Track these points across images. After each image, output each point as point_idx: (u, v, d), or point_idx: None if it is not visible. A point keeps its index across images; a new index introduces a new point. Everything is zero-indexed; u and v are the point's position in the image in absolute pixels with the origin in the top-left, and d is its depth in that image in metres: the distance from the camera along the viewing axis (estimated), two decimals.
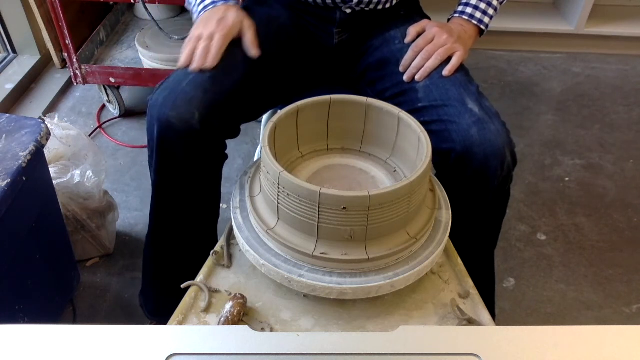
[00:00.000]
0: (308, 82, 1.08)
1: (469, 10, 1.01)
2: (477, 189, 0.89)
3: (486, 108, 0.88)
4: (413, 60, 0.95)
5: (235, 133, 0.95)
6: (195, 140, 0.86)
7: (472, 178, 0.87)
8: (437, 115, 0.89)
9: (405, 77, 0.96)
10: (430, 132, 0.85)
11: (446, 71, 0.93)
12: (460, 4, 1.03)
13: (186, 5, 1.03)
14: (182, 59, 0.90)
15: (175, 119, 0.84)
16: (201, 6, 0.96)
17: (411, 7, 1.11)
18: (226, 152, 0.96)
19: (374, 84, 1.03)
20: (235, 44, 0.94)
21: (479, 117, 0.86)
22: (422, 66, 0.94)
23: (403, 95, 0.96)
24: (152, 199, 0.98)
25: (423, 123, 0.81)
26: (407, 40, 0.99)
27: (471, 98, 0.89)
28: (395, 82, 0.98)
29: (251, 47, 0.91)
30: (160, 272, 1.07)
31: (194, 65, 0.88)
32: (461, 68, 0.95)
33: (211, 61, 0.87)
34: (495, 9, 1.02)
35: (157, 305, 1.14)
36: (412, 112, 0.91)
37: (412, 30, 0.99)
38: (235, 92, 0.90)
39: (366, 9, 1.02)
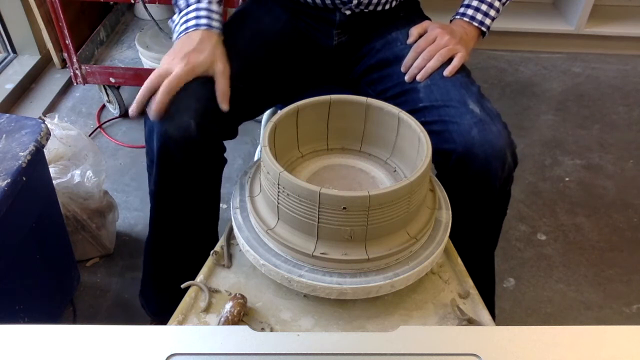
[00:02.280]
0: (307, 83, 1.08)
1: (470, 12, 1.01)
2: (477, 189, 0.89)
3: (487, 109, 0.88)
4: (414, 61, 0.96)
5: (233, 134, 0.95)
6: (195, 148, 0.86)
7: (473, 179, 0.87)
8: (438, 115, 0.89)
9: (407, 78, 0.96)
10: (431, 133, 0.85)
11: (447, 72, 0.93)
12: (461, 6, 1.03)
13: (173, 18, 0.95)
14: (137, 98, 0.84)
15: (172, 130, 0.84)
16: (182, 26, 0.89)
17: (411, 8, 1.11)
18: (226, 154, 0.96)
19: (374, 84, 1.03)
20: (225, 46, 0.94)
21: (480, 117, 0.86)
22: (424, 66, 0.94)
23: (404, 95, 0.96)
24: (152, 207, 0.98)
25: (424, 123, 0.81)
26: (410, 41, 0.99)
27: (472, 99, 0.89)
28: (396, 82, 0.98)
29: (221, 101, 0.85)
30: (161, 274, 1.07)
31: (151, 113, 0.83)
32: (462, 69, 0.96)
33: (156, 107, 0.82)
34: (497, 10, 1.02)
35: (159, 306, 1.14)
36: (413, 112, 0.91)
37: (414, 31, 0.99)
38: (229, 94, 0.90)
39: (365, 10, 1.02)
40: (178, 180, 0.91)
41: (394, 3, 1.05)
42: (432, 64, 0.94)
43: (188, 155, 0.86)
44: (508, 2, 1.04)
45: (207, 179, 0.94)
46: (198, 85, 0.86)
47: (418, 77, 0.95)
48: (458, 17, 1.02)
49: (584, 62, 2.32)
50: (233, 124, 0.94)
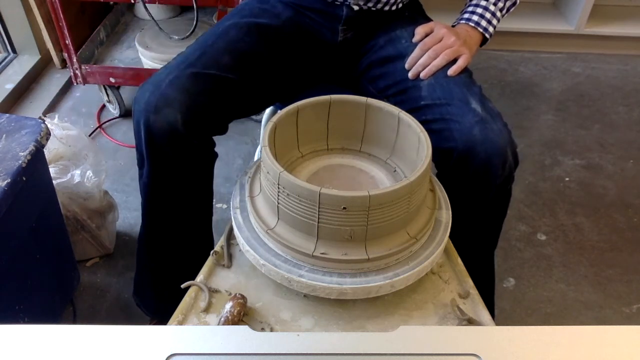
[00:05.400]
0: (307, 81, 1.08)
1: (475, 17, 1.02)
2: (478, 188, 0.89)
3: (489, 108, 0.89)
4: (419, 58, 0.96)
5: (222, 130, 0.94)
6: (182, 143, 0.86)
7: (473, 177, 0.87)
8: (440, 113, 0.89)
9: (410, 74, 0.96)
10: (432, 131, 0.85)
11: (451, 71, 0.94)
12: (466, 12, 1.04)
13: None
14: None
15: (159, 123, 0.84)
16: None
17: (415, 9, 1.12)
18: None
19: (376, 81, 1.03)
20: (220, 40, 0.94)
21: (482, 116, 0.86)
22: (429, 64, 0.95)
23: (406, 92, 0.96)
24: (143, 201, 0.98)
25: (425, 122, 0.81)
26: (415, 39, 1.00)
27: (474, 98, 0.89)
28: (399, 80, 0.98)
29: None
30: (156, 271, 1.07)
31: None
32: (465, 70, 0.96)
33: None
34: (498, 20, 1.04)
35: (156, 304, 1.14)
36: (415, 110, 0.92)
37: (420, 30, 1.00)
38: (219, 90, 0.90)
39: (373, 8, 1.02)
40: (168, 174, 0.91)
41: (400, 4, 1.05)
42: (437, 63, 0.94)
43: (175, 149, 0.86)
44: (507, 14, 1.06)
45: (197, 173, 0.94)
46: (188, 78, 0.86)
47: (422, 75, 0.95)
48: (463, 21, 1.03)
49: (584, 62, 2.32)
50: (224, 120, 0.94)
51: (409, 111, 0.80)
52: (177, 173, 0.91)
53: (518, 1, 1.05)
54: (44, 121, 1.01)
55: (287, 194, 0.67)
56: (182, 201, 0.96)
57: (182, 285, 0.74)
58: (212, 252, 0.79)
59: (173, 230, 1.00)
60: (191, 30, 1.48)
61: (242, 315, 0.69)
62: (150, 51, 1.72)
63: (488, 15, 1.02)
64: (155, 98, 0.84)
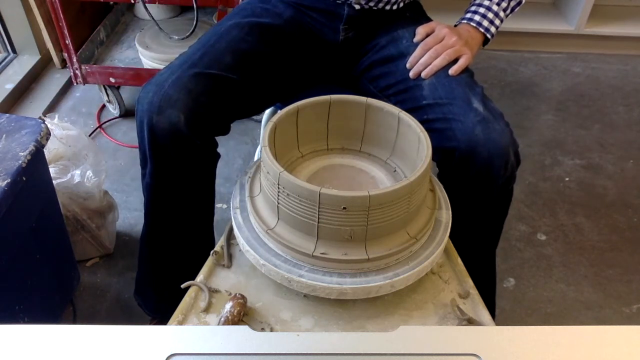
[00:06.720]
0: (308, 80, 1.08)
1: (477, 17, 1.02)
2: (480, 188, 0.89)
3: (491, 108, 0.89)
4: (421, 58, 0.96)
5: (225, 130, 0.94)
6: (184, 143, 0.86)
7: (475, 177, 0.87)
8: (442, 113, 0.89)
9: (412, 74, 0.96)
10: (433, 130, 0.84)
11: (452, 70, 0.94)
12: (468, 12, 1.04)
13: None
14: None
15: (161, 123, 0.84)
16: None
17: (416, 10, 1.12)
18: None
19: (377, 80, 1.03)
20: (222, 40, 0.94)
21: (484, 116, 0.86)
22: (430, 64, 0.95)
23: (407, 92, 0.97)
24: (146, 199, 0.98)
25: (426, 121, 0.80)
26: (416, 39, 1.00)
27: (476, 98, 0.89)
28: (400, 79, 0.98)
29: None
30: (157, 271, 1.07)
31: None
32: (466, 70, 0.97)
33: None
34: (501, 21, 1.03)
35: (156, 304, 1.14)
36: (416, 109, 0.92)
37: (421, 30, 1.00)
38: (221, 90, 0.90)
39: (374, 7, 1.02)
40: (171, 173, 0.91)
41: (401, 4, 1.05)
42: (439, 62, 0.94)
43: (178, 149, 0.87)
44: (511, 14, 1.05)
45: (200, 173, 0.95)
46: (190, 79, 0.86)
47: (423, 74, 0.95)
48: (465, 21, 1.03)
49: (584, 62, 2.32)
50: (226, 120, 0.94)
51: (410, 110, 0.80)
52: (179, 173, 0.91)
53: (524, 1, 1.04)
54: (44, 121, 1.01)
55: (287, 194, 0.67)
56: (184, 201, 0.96)
57: (182, 285, 0.74)
58: (212, 252, 0.79)
59: (175, 230, 1.00)
60: (191, 30, 1.48)
61: (242, 315, 0.69)
62: (150, 51, 1.72)
63: (490, 15, 1.02)
64: (158, 98, 0.85)
